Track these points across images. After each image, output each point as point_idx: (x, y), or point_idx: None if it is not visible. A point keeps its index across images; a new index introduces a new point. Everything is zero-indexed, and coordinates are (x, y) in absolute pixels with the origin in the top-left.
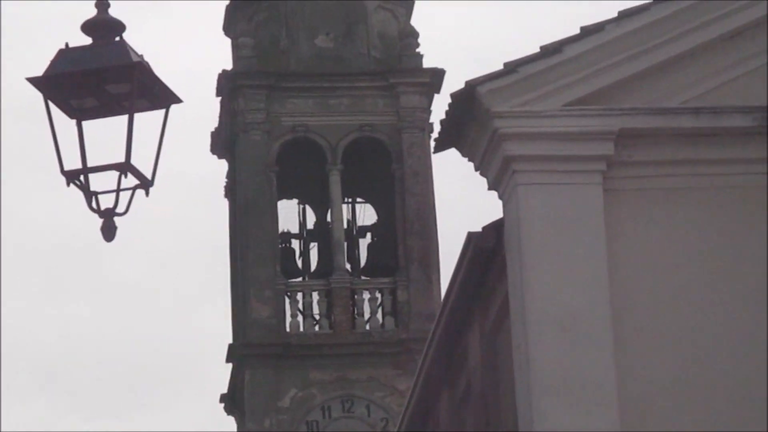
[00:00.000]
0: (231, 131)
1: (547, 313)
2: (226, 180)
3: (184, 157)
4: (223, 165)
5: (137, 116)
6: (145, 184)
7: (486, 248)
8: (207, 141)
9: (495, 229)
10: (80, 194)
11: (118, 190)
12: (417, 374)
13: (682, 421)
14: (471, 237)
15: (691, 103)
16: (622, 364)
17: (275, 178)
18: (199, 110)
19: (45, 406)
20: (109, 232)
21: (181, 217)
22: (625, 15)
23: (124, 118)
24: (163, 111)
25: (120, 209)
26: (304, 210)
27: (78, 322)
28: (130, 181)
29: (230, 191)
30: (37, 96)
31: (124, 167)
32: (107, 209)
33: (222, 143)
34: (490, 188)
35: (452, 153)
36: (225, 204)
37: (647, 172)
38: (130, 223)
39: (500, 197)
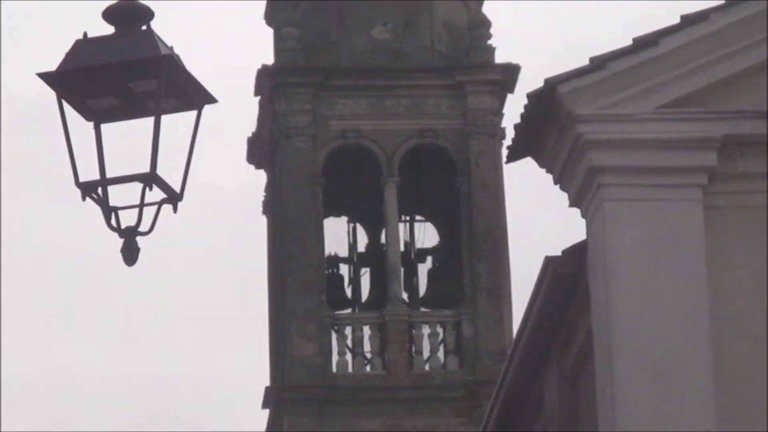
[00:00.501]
0: (271, 137)
1: (638, 354)
2: (264, 194)
3: (216, 167)
4: (261, 176)
5: (165, 119)
6: (173, 198)
7: (566, 276)
8: (243, 148)
9: (577, 253)
10: (97, 210)
11: (141, 205)
12: (484, 423)
13: None
14: (549, 263)
15: None
16: (725, 416)
17: (321, 192)
18: (234, 112)
19: None
20: (130, 254)
21: (212, 237)
22: (732, 2)
23: (150, 120)
24: (194, 112)
25: (144, 228)
26: (354, 229)
27: (88, 364)
28: (156, 194)
29: (269, 207)
30: (48, 94)
31: (149, 178)
32: (129, 227)
33: (260, 151)
34: (571, 205)
35: (528, 163)
36: (263, 222)
37: (755, 186)
38: (154, 244)
39: (583, 215)
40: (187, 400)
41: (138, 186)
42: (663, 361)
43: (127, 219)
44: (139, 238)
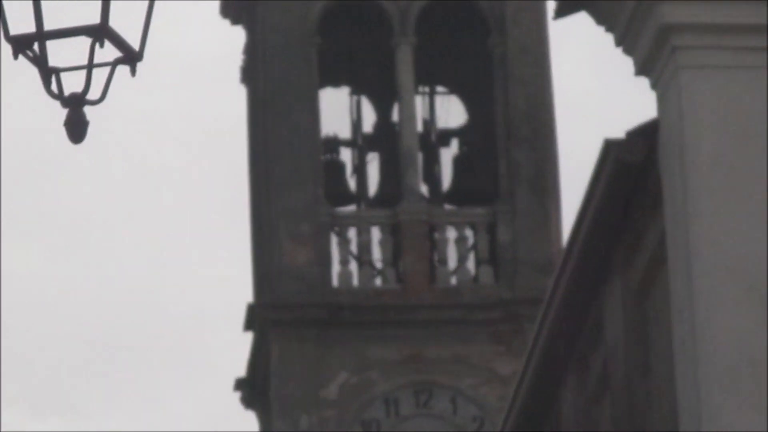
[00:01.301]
0: None
1: (727, 264)
2: (243, 57)
3: (183, 22)
4: (239, 35)
5: None
6: (131, 57)
7: (632, 164)
8: (216, 1)
9: (645, 135)
10: (34, 71)
11: (90, 66)
12: (528, 353)
13: None
14: (609, 148)
15: None
16: None
17: (316, 56)
18: None
19: None
20: (76, 128)
21: (178, 110)
22: None
23: None
24: None
25: (93, 95)
26: (358, 104)
27: (25, 275)
28: (108, 53)
29: (250, 74)
30: None
31: (100, 31)
32: (74, 94)
33: (238, 2)
34: (637, 73)
35: (581, 20)
36: (242, 93)
37: None
38: (106, 117)
39: (653, 87)
40: (147, 321)
41: (86, 41)
42: (755, 273)
43: (73, 84)
44: (87, 108)
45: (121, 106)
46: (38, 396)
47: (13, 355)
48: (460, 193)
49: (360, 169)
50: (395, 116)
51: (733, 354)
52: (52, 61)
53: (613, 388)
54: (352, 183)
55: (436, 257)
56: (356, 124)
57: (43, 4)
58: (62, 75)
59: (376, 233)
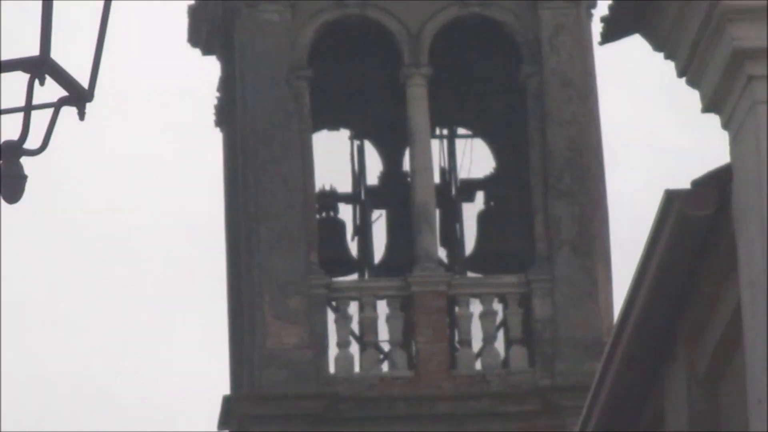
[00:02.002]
0: (226, 5)
1: None
2: (218, 95)
3: (144, 52)
4: (212, 66)
5: None
6: (78, 97)
7: (699, 220)
8: (183, 23)
9: (715, 185)
10: None
11: (28, 108)
12: None
13: None
14: (672, 200)
15: None
16: None
17: (308, 92)
18: None
19: None
20: (12, 185)
21: (137, 159)
22: None
23: None
24: None
25: (33, 143)
26: (361, 150)
27: None
28: (51, 91)
29: (225, 114)
30: None
31: (40, 65)
32: (9, 142)
33: (209, 27)
34: (705, 110)
35: (632, 44)
36: (217, 138)
37: None
38: (49, 169)
39: (725, 126)
40: (111, 419)
41: (23, 77)
42: None
43: (8, 128)
44: (25, 160)
45: (67, 157)
46: None
47: None
48: (487, 258)
49: (363, 230)
50: (406, 165)
51: None
52: None
53: None
54: (353, 247)
55: (456, 337)
56: (358, 174)
57: None
58: None
59: (382, 308)
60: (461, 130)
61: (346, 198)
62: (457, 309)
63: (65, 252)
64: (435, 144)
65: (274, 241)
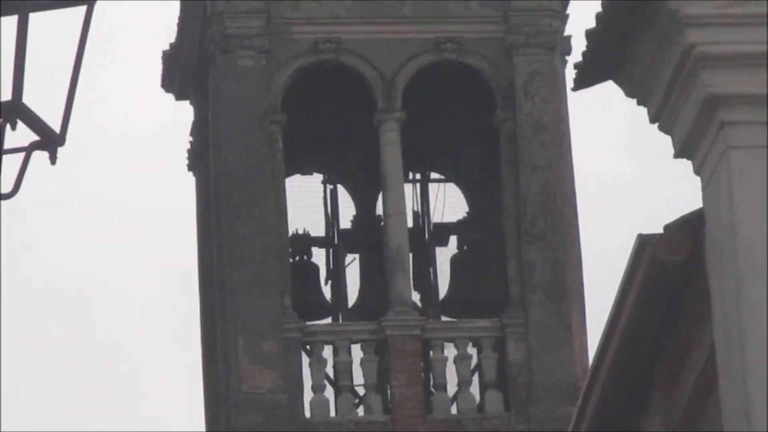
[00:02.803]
0: (201, 50)
1: None
2: (191, 139)
3: (116, 97)
4: (185, 112)
5: (35, 19)
6: (50, 141)
7: (672, 266)
8: (156, 68)
9: (688, 229)
10: None
11: (0, 152)
12: None
13: None
14: (645, 245)
15: None
16: None
17: (282, 137)
18: (144, 12)
19: None
20: None
21: (110, 204)
22: None
23: (13, 21)
24: (82, 10)
25: (5, 188)
26: (334, 194)
27: None
28: (23, 136)
29: (198, 159)
30: None
31: (12, 110)
32: None
33: (183, 72)
34: (677, 155)
35: (605, 90)
36: (190, 182)
37: None
38: (20, 214)
39: (697, 172)
40: None
41: None
42: None
43: None
44: None
45: (39, 201)
46: None
47: None
48: (461, 303)
49: (336, 274)
50: (379, 209)
51: None
52: None
53: None
54: (327, 291)
55: (431, 381)
56: (332, 218)
57: None
58: None
59: (357, 352)
60: (434, 175)
61: (319, 242)
62: (431, 353)
63: (39, 293)
64: (408, 188)
65: (247, 285)
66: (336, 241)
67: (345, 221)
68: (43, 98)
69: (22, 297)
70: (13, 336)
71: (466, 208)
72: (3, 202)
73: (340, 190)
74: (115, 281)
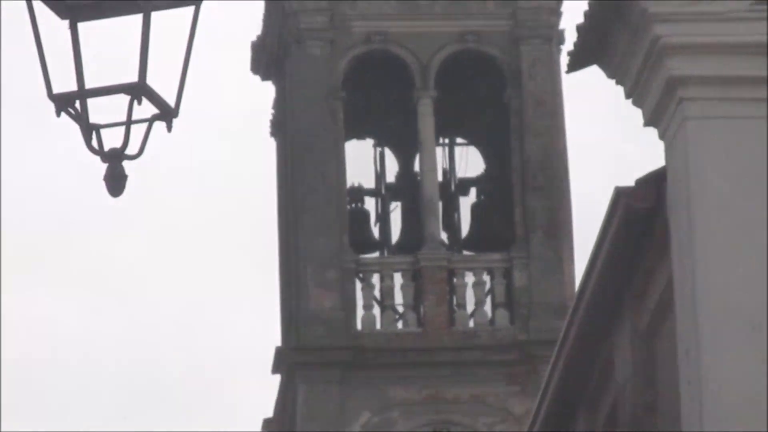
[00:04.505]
0: (280, 41)
1: (731, 307)
2: (272, 112)
3: (216, 78)
4: (269, 90)
5: (156, 17)
6: (167, 114)
7: (641, 211)
8: (247, 56)
9: (654, 183)
10: (75, 128)
11: (128, 123)
12: (542, 393)
13: None
14: (620, 195)
15: None
16: None
17: (342, 109)
18: (237, 11)
19: None
20: (116, 182)
21: (212, 163)
22: None
23: (138, 18)
24: (191, 9)
25: (131, 150)
26: (382, 155)
27: (61, 324)
28: (145, 110)
29: (279, 127)
30: None
31: (138, 89)
32: (114, 150)
33: (267, 59)
34: (646, 124)
35: (593, 73)
36: (272, 146)
37: None
38: (144, 171)
39: (661, 137)
40: (180, 364)
41: (124, 99)
42: (759, 315)
43: (112, 139)
44: (126, 163)
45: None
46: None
47: (44, 394)
48: (478, 240)
49: (383, 218)
50: (417, 167)
51: (737, 394)
52: (93, 118)
53: (621, 426)
54: (375, 231)
55: (454, 301)
56: (380, 174)
57: (84, 64)
58: (102, 131)
59: (398, 279)
60: (459, 139)
61: (370, 192)
62: (455, 279)
63: (157, 230)
64: (439, 150)
65: (314, 226)
66: (383, 192)
67: (390, 176)
68: (162, 80)
69: (147, 230)
70: (130, 264)
71: (483, 166)
72: (131, 161)
73: (387, 152)
74: (218, 224)
